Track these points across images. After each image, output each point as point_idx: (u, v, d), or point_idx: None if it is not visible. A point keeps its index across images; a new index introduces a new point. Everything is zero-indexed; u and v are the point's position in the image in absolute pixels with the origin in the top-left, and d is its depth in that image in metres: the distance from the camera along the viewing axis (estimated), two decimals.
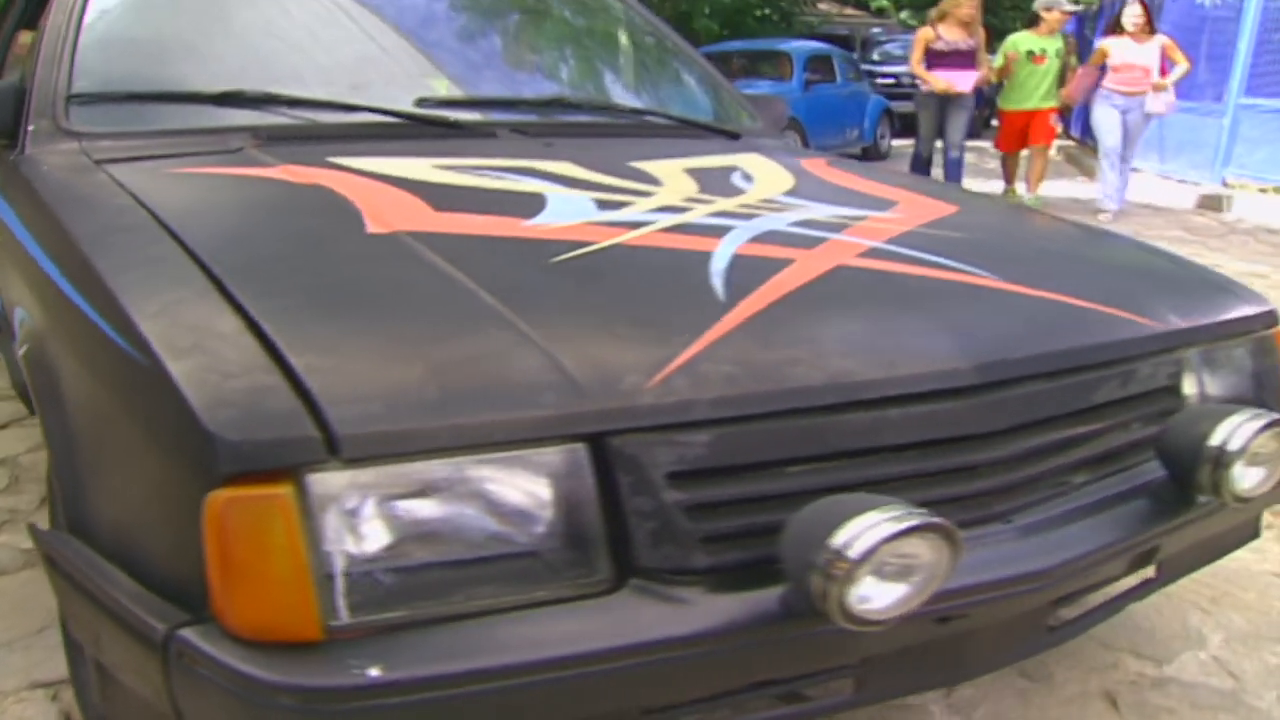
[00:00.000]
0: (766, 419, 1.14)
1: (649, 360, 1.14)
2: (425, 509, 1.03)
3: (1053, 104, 7.40)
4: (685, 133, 2.44)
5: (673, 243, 1.52)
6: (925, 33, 7.20)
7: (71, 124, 1.91)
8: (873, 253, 1.55)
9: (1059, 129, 8.06)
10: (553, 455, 1.06)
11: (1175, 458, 1.37)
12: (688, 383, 1.12)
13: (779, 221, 1.66)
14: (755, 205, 1.77)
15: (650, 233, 1.55)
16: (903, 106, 13.96)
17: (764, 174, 2.07)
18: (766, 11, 21.44)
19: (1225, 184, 8.52)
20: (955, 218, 1.88)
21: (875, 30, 23.24)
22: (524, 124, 2.23)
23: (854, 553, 0.98)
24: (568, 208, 1.65)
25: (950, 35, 7.05)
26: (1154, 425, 1.44)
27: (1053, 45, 7.31)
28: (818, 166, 2.27)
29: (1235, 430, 1.31)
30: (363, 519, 1.00)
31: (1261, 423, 1.32)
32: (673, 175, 1.93)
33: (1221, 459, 1.31)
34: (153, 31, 2.24)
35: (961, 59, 7.09)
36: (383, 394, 1.03)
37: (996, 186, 7.94)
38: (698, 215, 1.67)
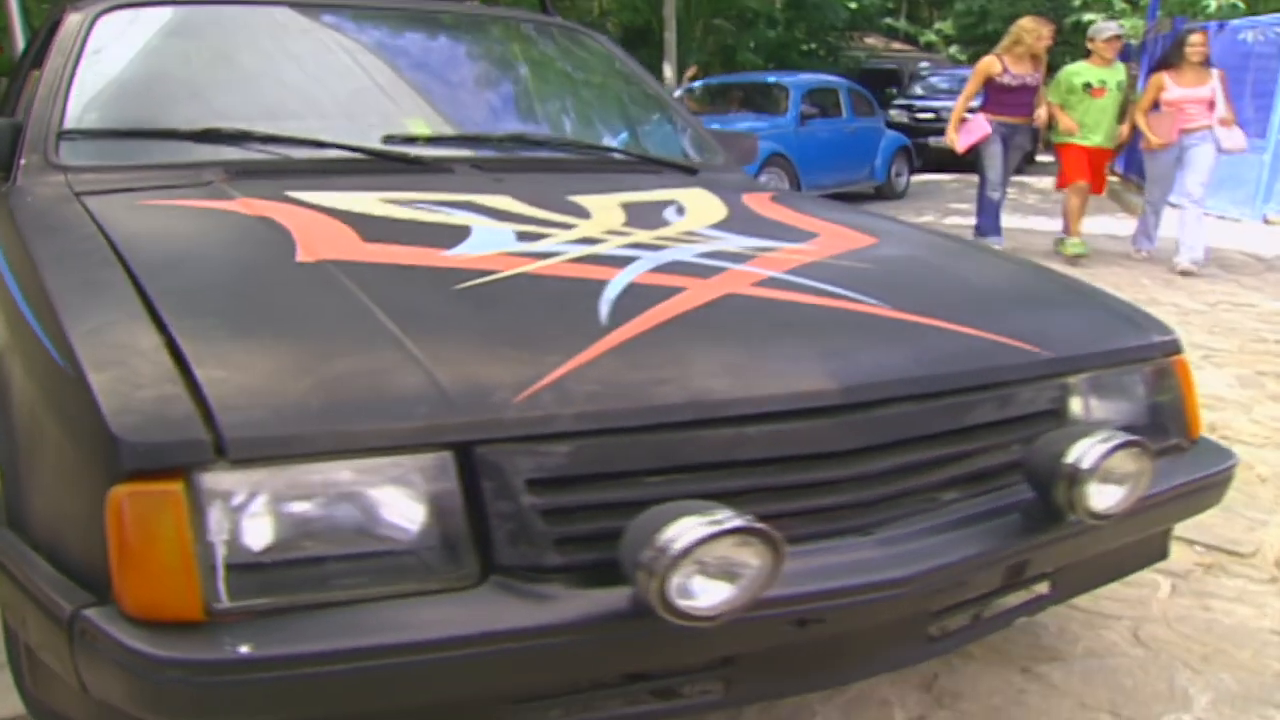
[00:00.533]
0: (624, 433, 1.24)
1: (519, 378, 1.24)
2: (305, 507, 1.14)
3: (1111, 145, 6.70)
4: (640, 168, 2.54)
5: (575, 272, 1.62)
6: (990, 64, 6.52)
7: (60, 158, 2.05)
8: (769, 282, 1.64)
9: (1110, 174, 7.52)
10: (423, 462, 1.17)
11: (1036, 477, 1.42)
12: (552, 399, 1.22)
13: (688, 253, 1.75)
14: (673, 237, 1.86)
15: (557, 263, 1.65)
16: (941, 143, 13.81)
17: (698, 208, 2.15)
18: (813, 46, 21.46)
19: (1266, 221, 8.33)
20: (869, 250, 1.96)
21: (923, 65, 23.17)
22: (482, 160, 2.34)
23: (672, 551, 1.08)
24: (489, 239, 1.75)
25: (1019, 68, 6.47)
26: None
27: (1113, 76, 6.50)
28: (758, 201, 2.32)
29: (1088, 450, 1.37)
30: (247, 515, 1.11)
31: (1113, 443, 1.38)
32: (605, 209, 2.02)
33: (1075, 477, 1.36)
34: (142, 73, 2.39)
35: (1026, 96, 6.54)
36: (272, 403, 1.16)
37: (1039, 224, 7.49)
38: (610, 247, 1.76)
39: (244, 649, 1.06)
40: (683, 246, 1.79)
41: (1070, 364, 1.60)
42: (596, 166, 2.53)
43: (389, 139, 2.26)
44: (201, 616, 1.08)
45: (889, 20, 35.10)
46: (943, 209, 10.35)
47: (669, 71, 13.93)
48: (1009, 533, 1.43)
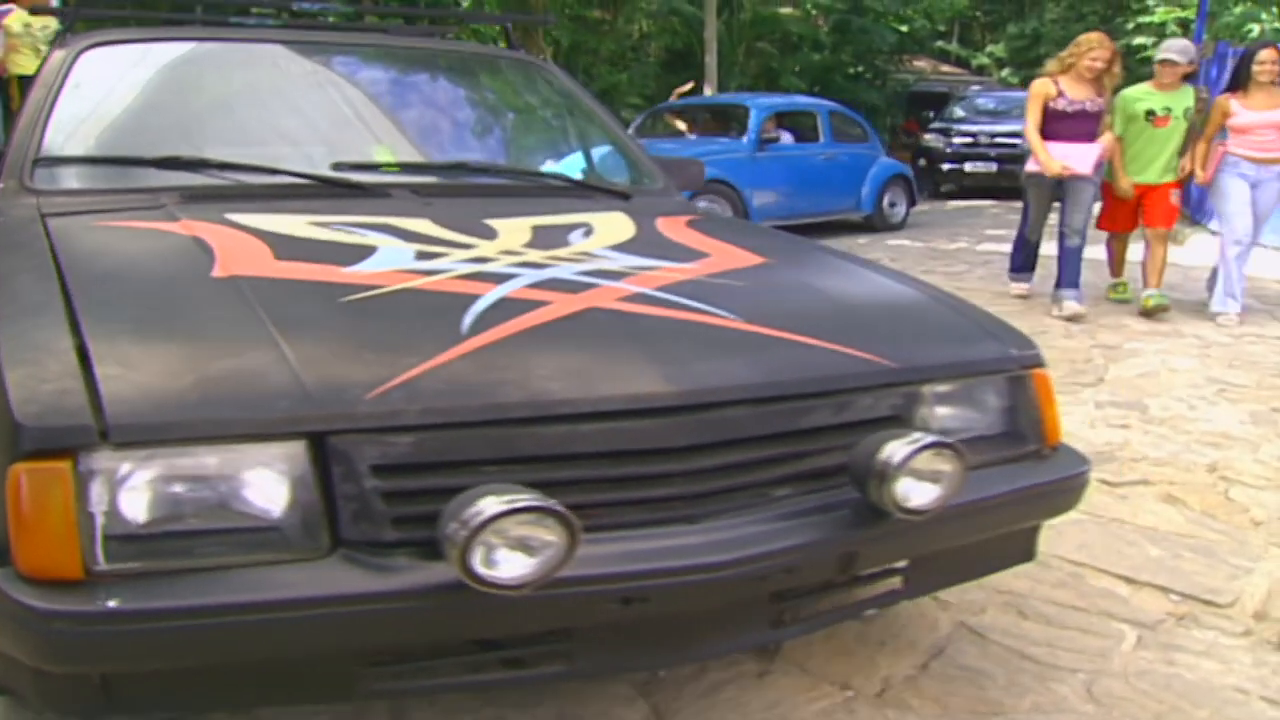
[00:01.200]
0: (464, 427, 1.41)
1: (374, 378, 1.42)
2: (178, 486, 1.33)
3: (1173, 178, 5.82)
4: (573, 193, 2.70)
5: (455, 287, 1.76)
6: (1043, 87, 5.65)
7: (34, 183, 2.26)
8: (635, 297, 1.78)
9: (1180, 209, 6.36)
10: (283, 449, 1.35)
11: (854, 475, 1.55)
12: (400, 396, 1.40)
13: (569, 270, 1.89)
14: (564, 257, 2.00)
15: (442, 279, 1.81)
16: (978, 168, 13.35)
17: (608, 230, 2.28)
18: (860, 69, 21.32)
19: None
20: (752, 269, 2.09)
21: (974, 88, 22.93)
22: (421, 185, 2.48)
23: (471, 524, 1.24)
24: (389, 258, 1.91)
25: (1075, 92, 5.57)
26: None
27: (1180, 103, 5.70)
28: (670, 225, 2.42)
29: (897, 449, 1.50)
30: (125, 490, 1.30)
31: (921, 444, 1.50)
32: (515, 230, 2.17)
33: (885, 474, 1.49)
34: (116, 105, 2.60)
35: (1086, 123, 5.60)
36: (154, 396, 1.36)
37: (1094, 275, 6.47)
38: (498, 265, 1.91)
39: (113, 603, 1.24)
40: (567, 265, 1.93)
41: (916, 374, 1.73)
42: (529, 191, 2.69)
43: (337, 166, 2.43)
44: (82, 576, 1.26)
45: (940, 43, 34.87)
46: (950, 237, 10.17)
47: (709, 92, 13.92)
48: (833, 527, 1.56)
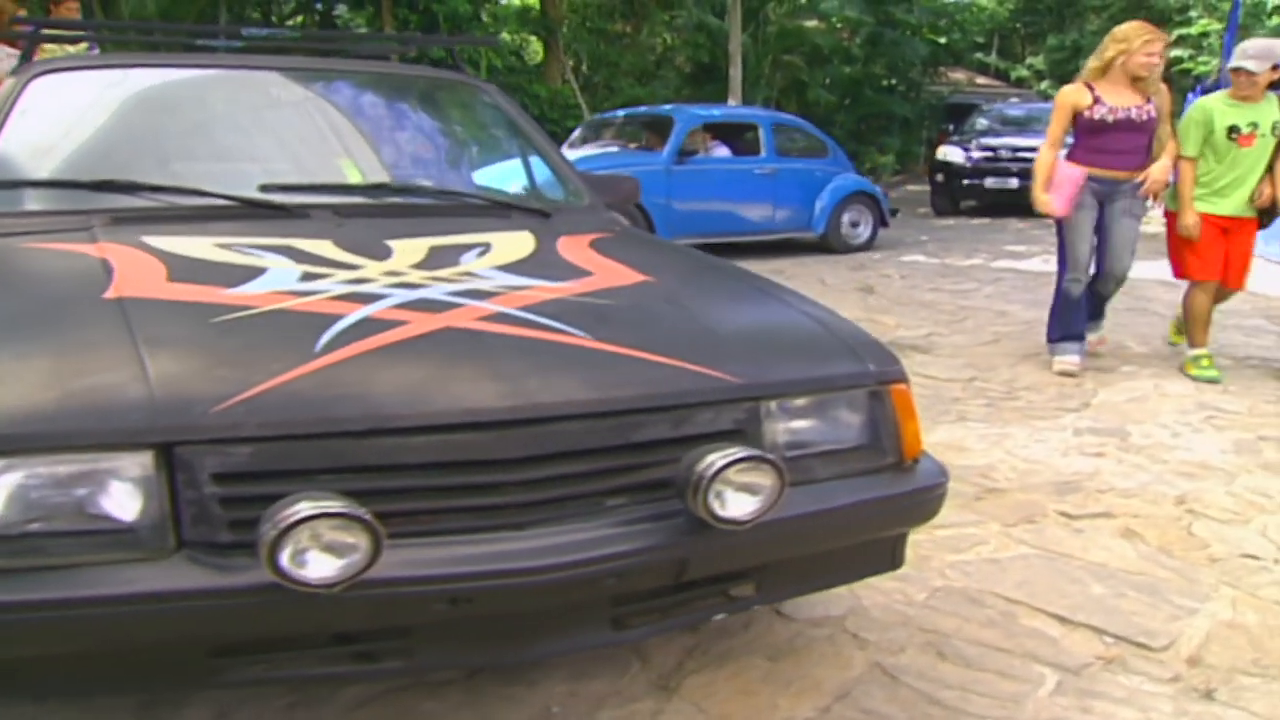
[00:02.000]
0: (300, 439, 1.51)
1: (221, 393, 1.52)
2: (39, 491, 1.44)
3: (1253, 212, 4.71)
4: (492, 212, 2.72)
5: (324, 308, 1.83)
6: (1073, 94, 4.56)
7: None
8: (495, 317, 1.85)
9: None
10: (133, 457, 1.47)
11: (677, 486, 1.62)
12: (243, 410, 1.50)
13: (440, 291, 1.96)
14: (445, 277, 2.05)
15: (316, 299, 1.87)
16: (998, 184, 12.90)
17: (506, 249, 2.33)
18: (892, 82, 21.16)
19: None
20: (628, 288, 2.15)
21: (1012, 100, 22.69)
22: (341, 205, 2.53)
23: (279, 527, 1.35)
24: (275, 279, 1.98)
25: (1115, 98, 4.49)
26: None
27: (1268, 116, 4.57)
28: (570, 243, 2.45)
29: (713, 461, 1.57)
30: None
31: (734, 456, 1.58)
32: (410, 250, 2.22)
33: (700, 485, 1.57)
34: (62, 130, 2.71)
35: (1133, 137, 4.53)
36: (19, 409, 1.47)
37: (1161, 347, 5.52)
38: (375, 285, 1.97)
39: None
40: (443, 285, 1.99)
41: (761, 390, 1.79)
42: (448, 211, 2.70)
43: (265, 187, 2.50)
44: None
45: (979, 55, 34.56)
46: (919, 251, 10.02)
47: (734, 104, 13.86)
48: (662, 535, 1.63)
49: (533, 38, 12.29)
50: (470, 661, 1.81)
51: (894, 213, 10.47)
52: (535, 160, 3.11)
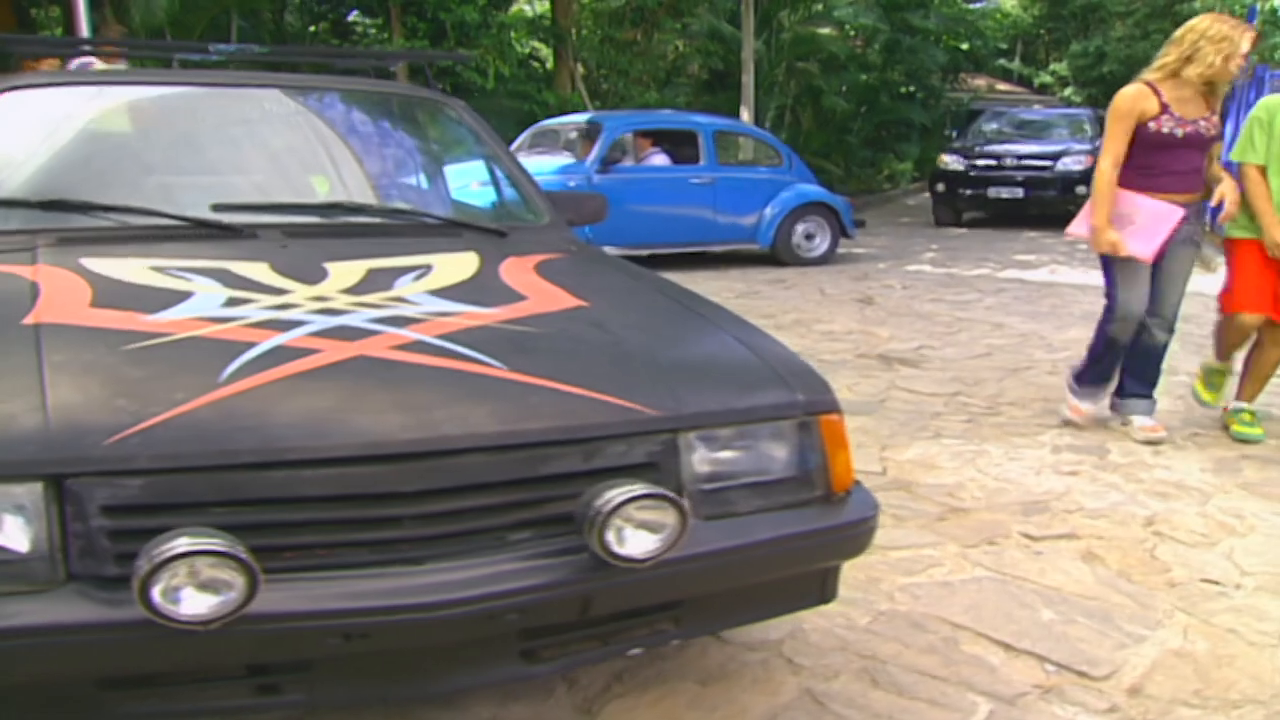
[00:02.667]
0: (194, 472, 1.49)
1: (117, 424, 1.50)
2: None
3: None
4: (445, 232, 2.69)
5: (238, 335, 1.81)
6: (1138, 99, 3.71)
7: None
8: (411, 345, 1.83)
9: None
10: (25, 488, 1.46)
11: (576, 521, 1.59)
12: (136, 442, 1.48)
13: (363, 318, 1.94)
14: (372, 302, 2.04)
15: (233, 326, 1.85)
16: (1003, 194, 12.48)
17: (445, 272, 2.31)
18: (911, 88, 21.03)
19: None
20: (559, 314, 2.11)
21: (1035, 108, 22.50)
22: (291, 225, 2.52)
23: (153, 562, 1.35)
24: (197, 304, 1.96)
25: (1183, 107, 3.71)
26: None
27: None
28: (513, 265, 2.43)
29: (611, 497, 1.55)
30: None
31: (631, 494, 1.55)
32: (346, 274, 2.21)
33: (595, 522, 1.55)
34: (21, 148, 2.70)
35: (1195, 153, 3.77)
36: None
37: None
38: (298, 312, 1.95)
39: None
40: (367, 311, 1.98)
41: (680, 421, 1.75)
42: (400, 231, 2.68)
43: (218, 207, 2.49)
44: None
45: (1002, 61, 34.33)
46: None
47: (746, 115, 13.83)
48: (565, 571, 1.60)
49: (542, 45, 12.26)
50: (376, 695, 1.75)
51: (860, 224, 9.96)
52: (499, 177, 3.10)
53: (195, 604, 1.39)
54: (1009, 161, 12.59)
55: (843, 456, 1.90)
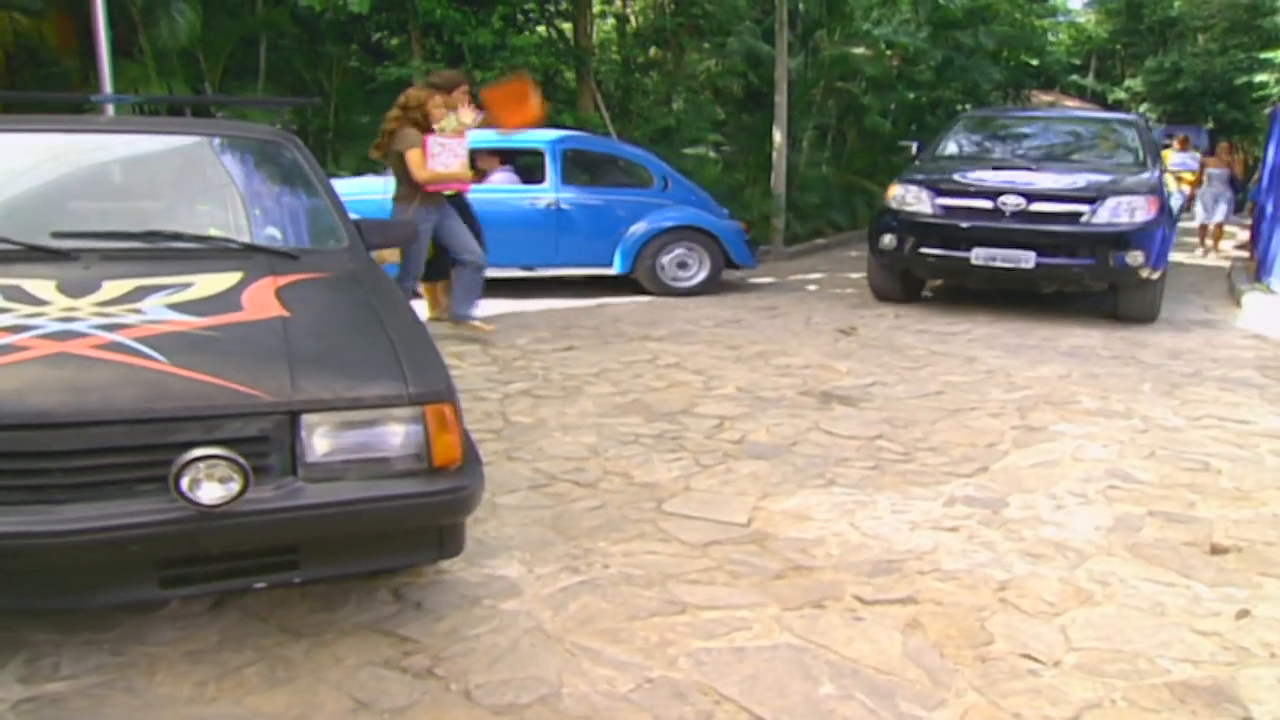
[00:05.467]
0: None
1: None
2: None
3: None
4: (237, 255, 3.14)
5: None
6: None
7: None
8: (108, 345, 2.35)
9: None
10: None
11: (170, 476, 2.11)
12: None
13: (89, 324, 2.46)
14: (111, 312, 2.55)
15: None
16: (997, 260, 7.47)
17: (200, 288, 2.79)
18: (966, 106, 20.62)
19: None
20: (255, 322, 2.61)
21: (1064, 105, 21.92)
22: (109, 250, 3.02)
23: None
24: None
25: None
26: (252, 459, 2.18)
27: None
28: (262, 285, 2.87)
29: (186, 457, 2.10)
30: None
31: (199, 454, 2.11)
32: (115, 289, 2.71)
33: (175, 476, 2.09)
34: None
35: None
36: None
37: None
38: (43, 319, 2.46)
39: None
40: (97, 319, 2.49)
41: (293, 405, 2.27)
42: (196, 254, 3.13)
43: (56, 234, 3.01)
44: None
45: (1075, 77, 33.54)
46: None
47: (779, 136, 13.68)
48: (174, 513, 2.11)
49: (566, 67, 12.28)
50: (39, 605, 2.30)
51: (756, 247, 9.35)
52: (314, 206, 3.55)
53: None
54: (1009, 202, 7.47)
55: (444, 438, 2.37)
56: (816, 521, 3.46)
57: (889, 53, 15.82)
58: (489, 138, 8.19)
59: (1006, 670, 2.51)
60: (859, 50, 14.33)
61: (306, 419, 2.26)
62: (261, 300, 2.77)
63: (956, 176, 8.04)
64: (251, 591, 2.62)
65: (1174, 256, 8.61)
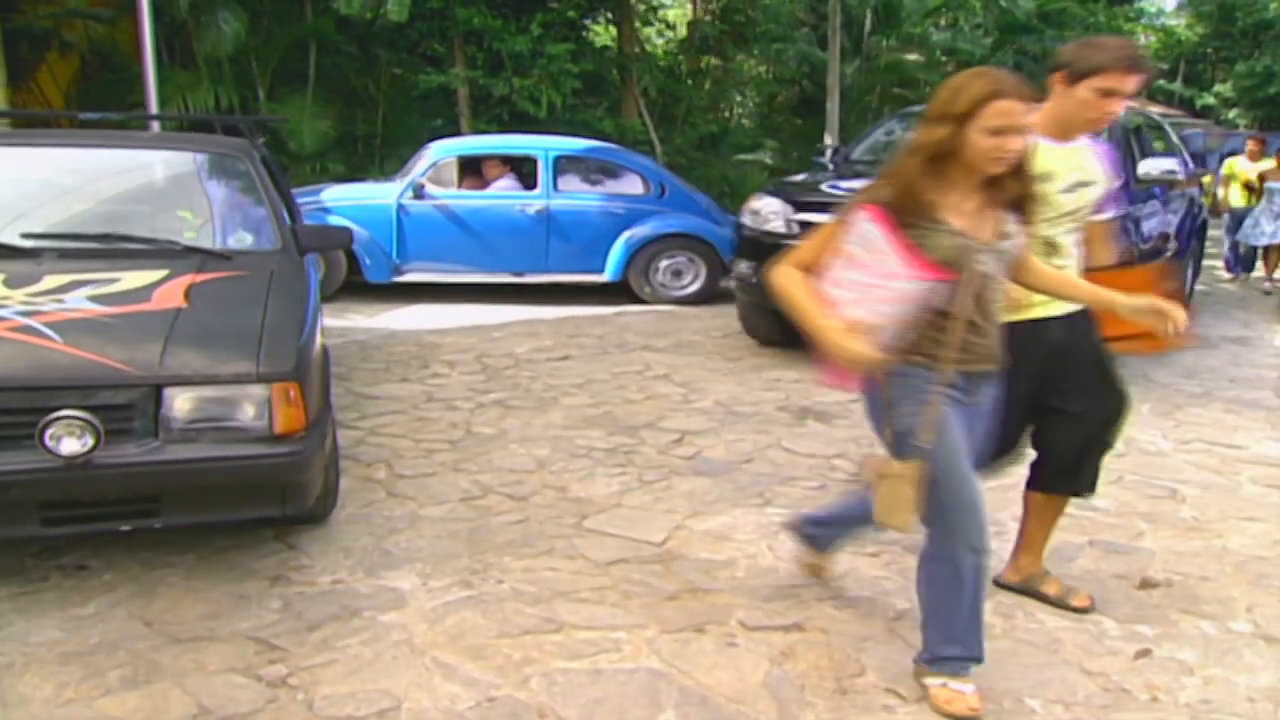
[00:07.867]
0: None
1: None
2: None
3: None
4: (178, 255, 3.53)
5: None
6: None
7: None
8: (21, 328, 2.80)
9: None
10: None
11: (37, 433, 2.58)
12: None
13: (12, 310, 2.90)
14: (38, 300, 2.99)
15: None
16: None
17: (126, 282, 3.20)
18: None
19: None
20: (152, 312, 3.02)
21: (1189, 133, 21.22)
22: (66, 249, 3.50)
23: None
24: None
25: None
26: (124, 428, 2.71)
27: None
28: (179, 282, 3.24)
29: (52, 416, 2.57)
30: None
31: (57, 415, 2.56)
32: (53, 281, 3.14)
33: (42, 431, 2.56)
34: None
35: None
36: None
37: None
38: None
39: None
40: (23, 306, 2.94)
41: (155, 379, 2.72)
42: (144, 254, 3.53)
43: (25, 235, 3.53)
44: None
45: (1162, 82, 32.48)
46: None
47: (830, 140, 13.57)
48: (49, 463, 2.57)
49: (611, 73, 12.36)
50: None
51: None
52: (260, 214, 3.93)
53: None
54: None
55: (287, 410, 2.79)
56: (734, 542, 3.44)
57: (945, 60, 15.53)
58: (477, 144, 8.60)
59: (861, 705, 2.47)
60: (913, 57, 14.10)
61: (169, 391, 2.72)
62: (170, 294, 3.16)
63: (825, 185, 6.53)
64: (121, 535, 3.09)
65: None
